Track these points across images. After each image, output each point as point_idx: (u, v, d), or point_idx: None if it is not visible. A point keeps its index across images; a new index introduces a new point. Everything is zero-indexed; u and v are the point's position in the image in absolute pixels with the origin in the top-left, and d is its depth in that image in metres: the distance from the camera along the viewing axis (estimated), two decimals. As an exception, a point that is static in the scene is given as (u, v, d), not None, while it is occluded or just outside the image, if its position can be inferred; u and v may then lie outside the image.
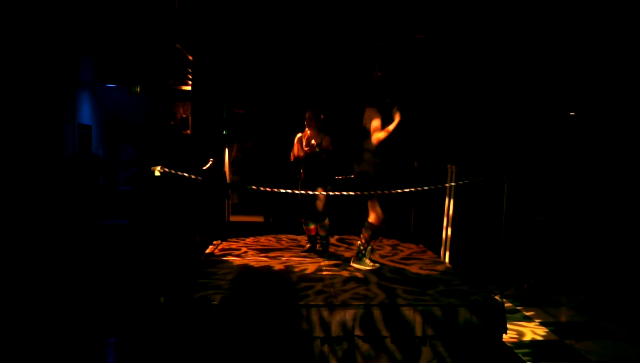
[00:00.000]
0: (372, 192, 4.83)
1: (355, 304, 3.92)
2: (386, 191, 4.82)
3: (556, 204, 9.54)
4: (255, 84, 8.70)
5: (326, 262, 5.25)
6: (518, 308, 5.60)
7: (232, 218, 8.12)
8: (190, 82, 8.91)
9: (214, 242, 6.20)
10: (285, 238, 6.54)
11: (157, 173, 4.07)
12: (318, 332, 3.86)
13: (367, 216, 4.99)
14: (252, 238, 6.50)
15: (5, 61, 7.07)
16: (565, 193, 9.60)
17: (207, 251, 5.78)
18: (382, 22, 7.52)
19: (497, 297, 4.28)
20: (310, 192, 5.27)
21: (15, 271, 6.29)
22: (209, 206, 6.80)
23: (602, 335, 4.90)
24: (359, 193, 4.88)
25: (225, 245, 6.09)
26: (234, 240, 6.37)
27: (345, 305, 3.91)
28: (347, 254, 5.60)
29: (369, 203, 4.95)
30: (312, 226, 5.64)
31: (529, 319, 5.27)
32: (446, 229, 5.54)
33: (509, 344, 4.55)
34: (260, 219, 8.88)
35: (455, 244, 5.56)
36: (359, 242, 5.03)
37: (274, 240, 6.45)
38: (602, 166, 9.22)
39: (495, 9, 7.56)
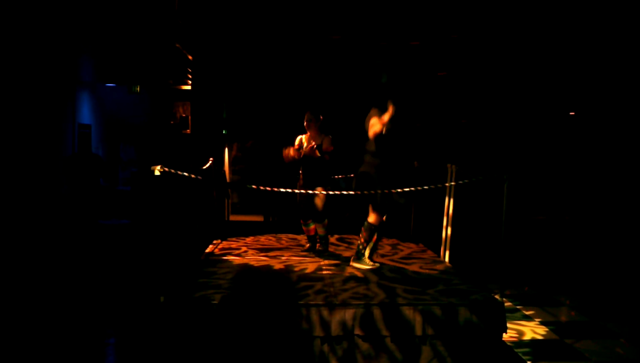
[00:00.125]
0: (373, 192, 4.84)
1: (355, 303, 3.92)
2: (386, 191, 4.83)
3: (556, 204, 9.54)
4: (255, 83, 8.70)
5: (326, 261, 5.25)
6: (518, 307, 5.60)
7: (232, 218, 8.12)
8: (190, 82, 8.91)
9: (214, 241, 6.20)
10: (285, 238, 6.54)
11: (157, 173, 4.07)
12: (318, 332, 3.86)
13: (367, 216, 5.00)
14: (252, 237, 6.51)
15: (5, 60, 7.07)
16: (565, 193, 9.60)
17: (207, 250, 5.78)
18: (382, 23, 7.52)
19: (497, 296, 4.28)
20: (310, 191, 5.27)
21: (15, 271, 6.29)
22: (209, 206, 6.80)
23: (602, 334, 4.90)
24: (359, 192, 4.88)
25: (225, 244, 6.09)
26: (233, 239, 6.36)
27: (345, 305, 3.91)
28: (346, 253, 5.60)
29: (370, 204, 4.96)
30: (311, 227, 5.64)
31: (529, 318, 5.27)
32: (446, 228, 5.54)
33: (509, 343, 4.55)
34: (260, 218, 8.89)
35: (455, 243, 5.56)
36: (358, 242, 5.04)
37: (273, 239, 6.45)
38: (602, 166, 9.23)
39: (496, 9, 7.56)
